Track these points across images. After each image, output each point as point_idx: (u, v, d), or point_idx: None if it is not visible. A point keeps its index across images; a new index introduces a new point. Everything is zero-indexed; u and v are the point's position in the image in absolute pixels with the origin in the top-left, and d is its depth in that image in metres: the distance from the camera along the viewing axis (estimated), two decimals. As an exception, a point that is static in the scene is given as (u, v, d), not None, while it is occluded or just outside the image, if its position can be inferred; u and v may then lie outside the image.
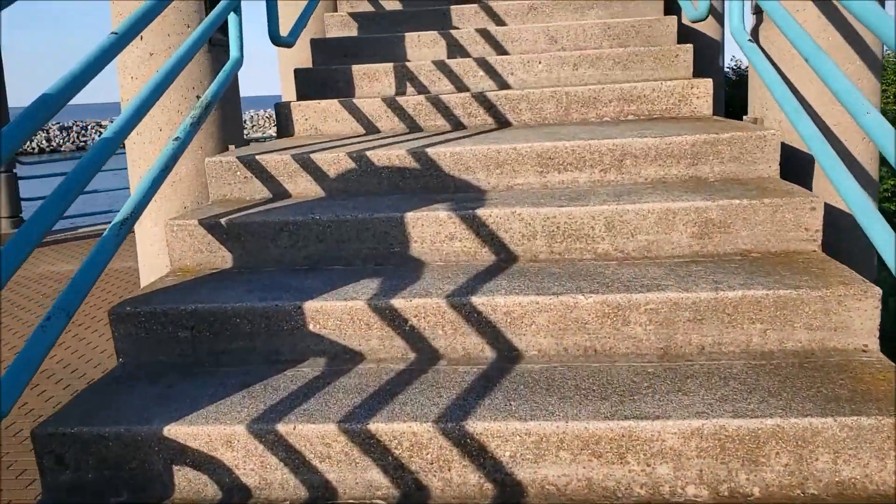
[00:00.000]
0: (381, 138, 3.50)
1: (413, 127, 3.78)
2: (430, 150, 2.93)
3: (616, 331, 2.16)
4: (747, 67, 9.81)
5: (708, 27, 4.93)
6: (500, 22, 4.76)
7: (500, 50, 4.44)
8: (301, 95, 4.20)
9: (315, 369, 2.16)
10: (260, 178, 2.99)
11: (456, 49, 4.46)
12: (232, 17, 3.26)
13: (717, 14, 5.02)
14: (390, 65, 4.12)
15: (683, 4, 3.96)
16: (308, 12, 4.26)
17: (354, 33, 4.85)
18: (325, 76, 4.16)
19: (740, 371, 2.02)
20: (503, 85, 4.09)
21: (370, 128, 3.80)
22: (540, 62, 4.07)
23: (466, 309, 2.18)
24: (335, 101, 3.79)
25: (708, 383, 1.95)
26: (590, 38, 4.38)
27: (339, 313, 2.21)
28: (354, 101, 3.79)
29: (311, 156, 2.97)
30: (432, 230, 2.56)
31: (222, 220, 2.62)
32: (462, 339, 2.20)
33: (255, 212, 2.72)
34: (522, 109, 3.73)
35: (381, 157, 2.95)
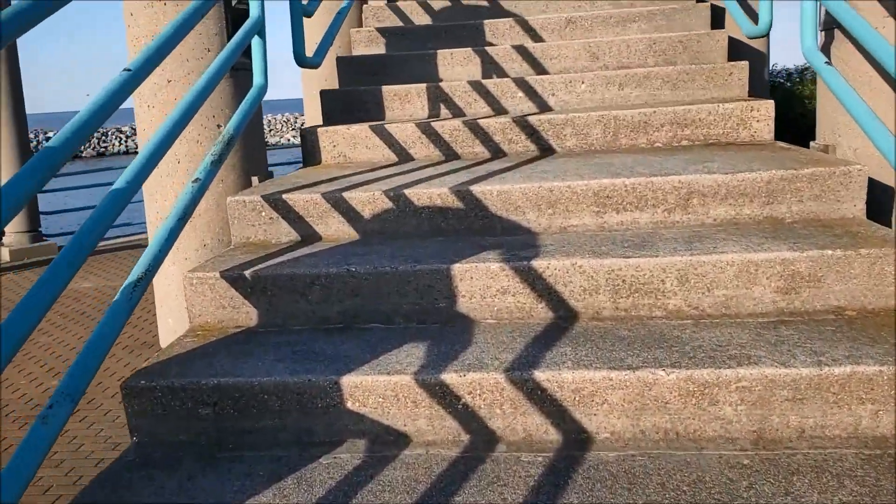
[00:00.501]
0: (417, 168, 3.21)
1: (449, 154, 3.49)
2: (474, 189, 2.63)
3: (702, 411, 1.85)
4: (789, 75, 9.49)
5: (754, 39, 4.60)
6: (536, 37, 4.45)
7: (539, 68, 4.13)
8: (328, 118, 3.91)
9: (354, 455, 1.86)
10: (287, 218, 2.70)
11: (491, 67, 4.16)
12: (256, 42, 2.97)
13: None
14: (423, 85, 3.83)
15: (738, 19, 3.64)
16: (334, 29, 3.97)
17: (382, 50, 4.55)
18: (353, 98, 3.87)
19: (853, 464, 1.70)
20: (544, 106, 3.78)
21: (403, 155, 3.50)
22: (583, 82, 3.76)
23: (528, 385, 1.88)
24: (365, 126, 3.50)
25: (819, 483, 1.63)
26: (634, 55, 4.06)
27: (381, 389, 1.91)
28: (386, 126, 3.49)
29: (344, 195, 2.68)
30: (482, 283, 2.25)
31: (247, 273, 2.33)
32: (523, 420, 1.89)
33: (282, 261, 2.43)
34: (567, 135, 3.42)
35: (421, 195, 2.65)
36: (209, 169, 2.42)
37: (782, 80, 9.52)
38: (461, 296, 2.26)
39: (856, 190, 2.50)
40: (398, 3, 4.93)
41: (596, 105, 3.75)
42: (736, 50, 4.33)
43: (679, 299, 2.21)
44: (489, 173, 2.93)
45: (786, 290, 2.17)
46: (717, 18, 4.54)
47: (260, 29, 2.97)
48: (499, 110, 3.80)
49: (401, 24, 4.87)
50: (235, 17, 3.12)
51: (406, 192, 2.66)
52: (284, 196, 2.70)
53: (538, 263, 2.23)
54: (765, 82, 5.00)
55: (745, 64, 3.69)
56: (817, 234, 2.33)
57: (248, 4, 3.00)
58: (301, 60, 3.53)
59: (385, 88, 3.84)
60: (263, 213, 2.70)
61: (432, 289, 2.27)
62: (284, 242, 2.70)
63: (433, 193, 2.64)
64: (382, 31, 4.57)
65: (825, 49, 3.03)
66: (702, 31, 4.30)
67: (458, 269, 2.25)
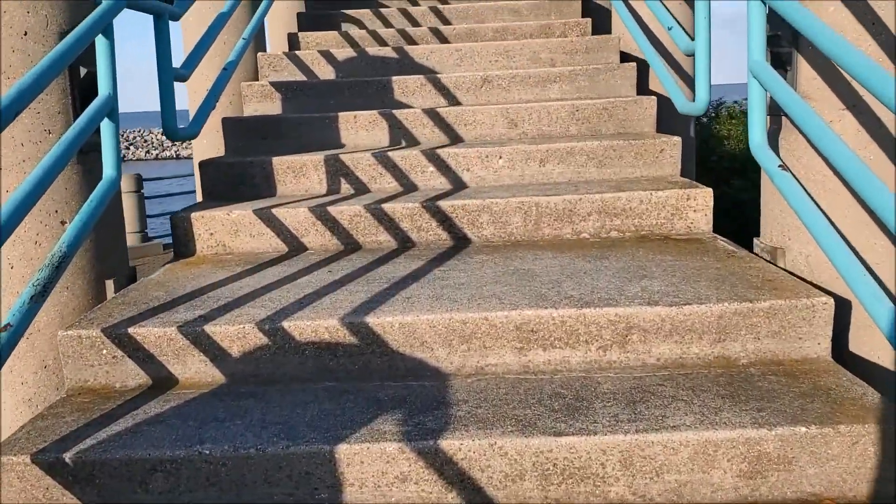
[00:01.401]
0: (309, 269, 2.66)
1: (349, 243, 2.95)
2: (371, 321, 2.10)
3: None
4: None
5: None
6: (450, 97, 3.96)
7: (452, 134, 3.64)
8: (208, 194, 3.32)
9: None
10: (135, 357, 2.11)
11: (400, 133, 3.64)
12: (106, 125, 2.38)
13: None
14: (321, 156, 3.28)
15: (671, 92, 3.23)
16: (218, 89, 3.38)
17: (278, 108, 3.98)
18: (238, 171, 3.29)
19: None
20: (458, 183, 3.29)
21: (295, 245, 2.95)
22: (500, 156, 3.28)
23: None
24: (249, 210, 2.93)
25: None
26: (556, 122, 3.62)
27: None
28: (274, 211, 2.94)
29: (207, 328, 2.10)
30: (376, 469, 1.73)
31: (67, 456, 1.74)
32: None
33: (119, 430, 1.85)
34: (484, 223, 2.94)
35: (304, 329, 2.10)
36: (26, 308, 1.82)
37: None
38: (349, 484, 1.73)
39: (820, 326, 2.08)
40: (298, 53, 4.36)
41: (515, 182, 3.28)
42: (663, 108, 3.95)
43: (622, 486, 1.73)
44: (391, 284, 2.41)
45: (750, 474, 1.73)
46: (643, 79, 4.15)
47: (111, 110, 2.37)
48: (408, 186, 3.29)
49: (301, 76, 4.31)
50: (84, 92, 2.52)
51: (286, 324, 2.11)
52: (132, 330, 2.11)
53: (448, 444, 1.72)
54: (691, 139, 4.65)
55: (677, 141, 3.28)
56: (782, 391, 1.89)
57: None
58: (172, 133, 2.94)
59: (276, 160, 3.28)
60: (105, 352, 2.11)
61: (311, 476, 1.73)
62: (132, 387, 2.11)
63: (320, 326, 2.10)
64: (279, 86, 4.00)
65: (772, 137, 2.64)
66: (628, 95, 3.89)
67: (344, 451, 1.72)
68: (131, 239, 9.66)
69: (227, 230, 2.95)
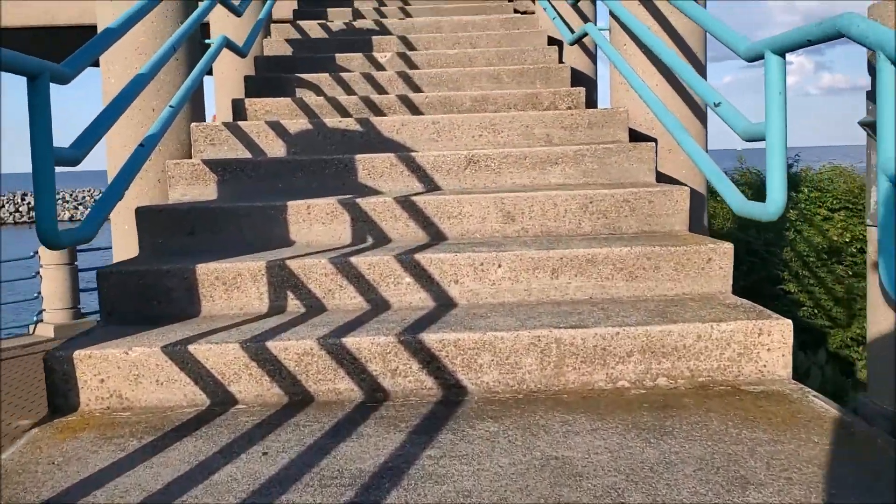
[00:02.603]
0: (234, 445, 1.76)
1: (296, 393, 2.06)
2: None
3: None
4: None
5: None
6: (427, 181, 3.13)
7: (433, 231, 2.80)
8: (110, 314, 2.41)
9: None
10: None
11: (366, 228, 2.79)
12: None
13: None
14: (261, 262, 2.40)
15: (721, 187, 2.45)
16: (127, 173, 2.49)
17: (212, 193, 3.10)
18: (151, 282, 2.39)
19: None
20: (443, 300, 2.44)
21: (220, 396, 2.05)
22: (499, 264, 2.44)
23: None
24: (157, 349, 2.03)
25: None
26: (564, 216, 2.80)
27: None
28: (193, 349, 2.04)
29: None
30: None
31: None
32: None
33: None
34: (485, 366, 2.08)
35: None
36: None
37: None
38: None
39: None
40: (242, 123, 3.51)
41: (519, 300, 2.44)
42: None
43: None
44: (358, 490, 1.53)
45: None
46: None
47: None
48: (377, 304, 2.42)
49: (244, 152, 3.44)
50: None
51: None
52: None
53: None
54: (704, 227, 3.88)
55: (728, 249, 2.49)
56: None
57: None
58: (51, 239, 2.03)
59: (202, 269, 2.39)
60: None
61: None
62: None
63: None
64: (215, 164, 3.13)
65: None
66: (647, 182, 3.11)
67: None
68: (61, 315, 8.63)
69: (125, 375, 2.03)
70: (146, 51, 3.67)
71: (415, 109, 4.13)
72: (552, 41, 5.24)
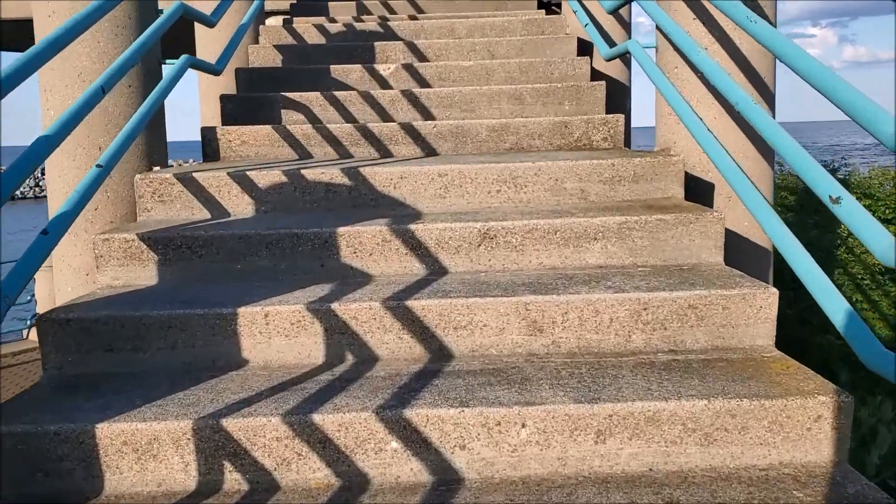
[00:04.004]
0: None
1: None
2: None
3: None
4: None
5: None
6: (430, 263, 2.36)
7: (433, 347, 2.04)
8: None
9: None
10: None
11: (343, 342, 2.04)
12: None
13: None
14: (186, 424, 1.67)
15: (853, 340, 1.67)
16: (28, 267, 1.75)
17: (150, 277, 2.35)
18: (36, 448, 1.66)
19: None
20: (444, 472, 1.68)
21: None
22: (524, 423, 1.69)
23: None
24: None
25: None
26: (608, 327, 2.04)
27: None
28: None
29: None
30: None
31: None
32: None
33: None
34: None
35: None
36: None
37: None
38: None
39: None
40: (198, 175, 2.75)
41: (551, 472, 1.68)
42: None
43: None
44: None
45: None
46: (734, 242, 2.61)
47: None
48: (350, 480, 1.68)
49: (202, 211, 2.67)
50: None
51: None
52: None
53: None
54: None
55: (846, 402, 1.71)
56: None
57: None
58: None
59: (104, 430, 1.65)
60: None
61: None
62: None
63: None
64: (155, 241, 2.37)
65: None
66: (716, 265, 2.31)
67: None
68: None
69: None
70: (90, 77, 2.94)
71: (421, 142, 3.36)
72: (580, 41, 4.43)
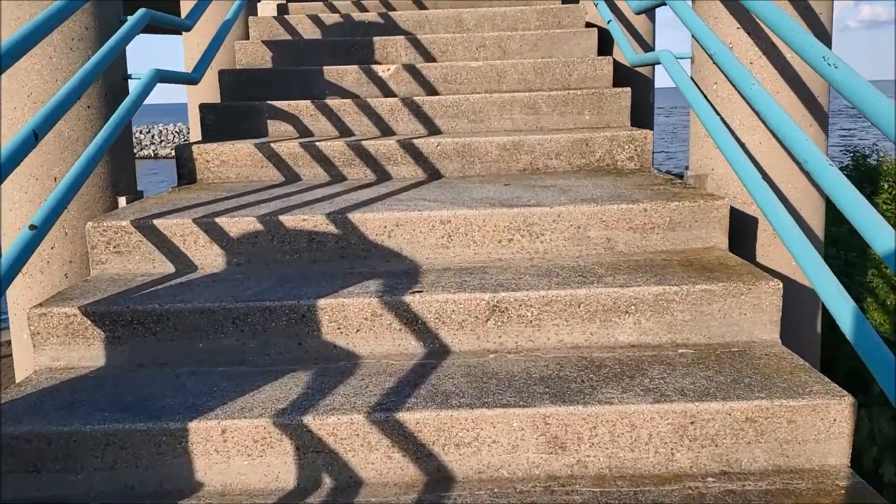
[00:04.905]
0: None
1: None
2: None
3: None
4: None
5: None
6: (430, 341, 1.94)
7: (432, 468, 1.63)
8: None
9: None
10: None
11: (319, 463, 1.63)
12: None
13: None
14: None
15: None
16: None
17: (96, 359, 1.92)
18: None
19: None
20: None
21: None
22: None
23: None
24: None
25: None
26: (646, 445, 1.62)
27: None
28: None
29: None
30: None
31: None
32: None
33: None
34: None
35: None
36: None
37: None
38: None
39: None
40: (159, 222, 2.32)
41: None
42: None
43: None
44: None
45: None
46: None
47: None
48: None
49: (164, 265, 2.24)
50: None
51: None
52: None
53: None
54: (817, 333, 2.70)
55: None
56: None
57: None
58: None
59: None
60: None
61: None
62: None
63: None
64: (100, 316, 1.95)
65: None
66: (771, 344, 1.87)
67: None
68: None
69: None
70: (42, 98, 2.53)
71: (423, 162, 2.92)
72: (600, 32, 3.94)
